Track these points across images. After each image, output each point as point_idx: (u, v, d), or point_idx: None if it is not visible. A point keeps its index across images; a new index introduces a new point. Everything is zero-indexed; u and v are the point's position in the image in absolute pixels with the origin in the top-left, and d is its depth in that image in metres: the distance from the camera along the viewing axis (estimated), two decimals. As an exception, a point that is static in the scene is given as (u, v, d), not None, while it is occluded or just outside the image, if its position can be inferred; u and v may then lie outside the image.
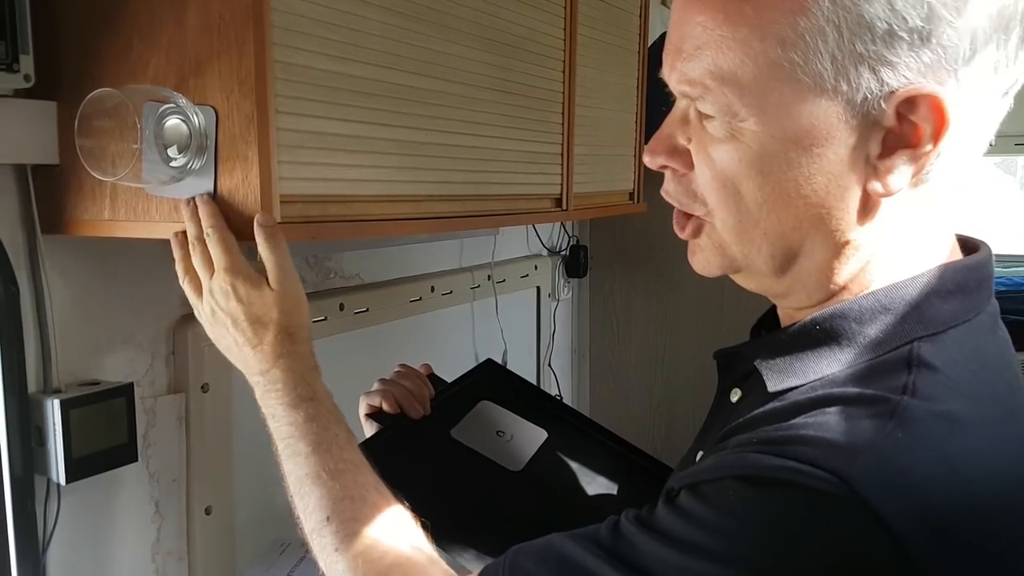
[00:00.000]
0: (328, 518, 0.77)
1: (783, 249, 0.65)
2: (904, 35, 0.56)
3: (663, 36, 0.70)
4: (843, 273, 0.65)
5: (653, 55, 1.68)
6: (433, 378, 1.11)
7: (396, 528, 0.78)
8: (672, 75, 0.65)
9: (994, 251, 0.69)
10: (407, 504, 0.79)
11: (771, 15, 0.58)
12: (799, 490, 0.54)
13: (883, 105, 0.58)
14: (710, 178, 0.64)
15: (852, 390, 0.59)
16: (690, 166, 0.66)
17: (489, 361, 0.98)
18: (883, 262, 0.64)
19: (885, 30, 0.56)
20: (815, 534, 0.53)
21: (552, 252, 2.18)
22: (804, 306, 0.68)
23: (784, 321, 0.73)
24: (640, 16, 1.61)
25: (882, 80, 0.57)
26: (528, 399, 0.99)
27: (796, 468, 0.54)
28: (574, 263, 2.23)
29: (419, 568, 0.75)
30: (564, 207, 1.39)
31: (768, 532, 0.55)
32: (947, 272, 0.64)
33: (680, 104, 0.67)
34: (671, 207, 0.71)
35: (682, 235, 0.70)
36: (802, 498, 0.54)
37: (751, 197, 0.63)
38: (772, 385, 0.65)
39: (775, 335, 0.69)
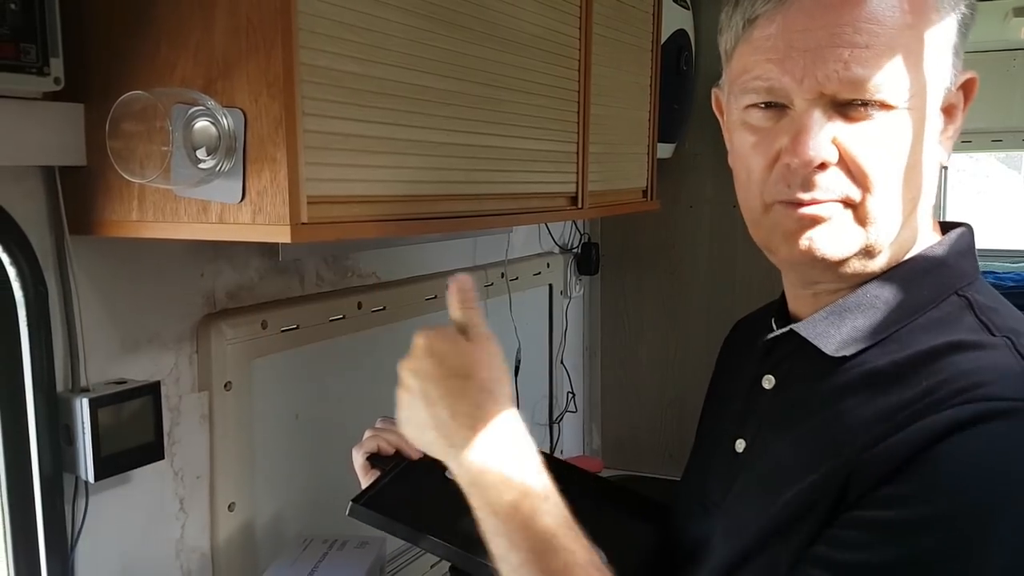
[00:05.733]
0: None
1: (910, 221, 0.71)
2: (965, 29, 0.70)
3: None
4: (909, 241, 0.73)
5: (666, 53, 1.69)
6: None
7: None
8: (842, 70, 0.65)
9: (1000, 246, 0.76)
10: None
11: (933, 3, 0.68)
12: (1011, 420, 0.58)
13: (956, 87, 0.71)
14: (876, 160, 0.68)
15: (952, 338, 0.65)
16: (837, 156, 0.69)
17: None
18: (923, 231, 0.74)
19: (962, 23, 0.70)
20: None
21: (564, 250, 2.19)
22: (860, 272, 0.72)
23: (809, 302, 0.75)
24: (653, 14, 1.62)
25: (960, 65, 0.70)
26: None
27: (991, 407, 0.58)
28: (586, 261, 2.24)
29: None
30: (580, 205, 1.40)
31: (1006, 468, 0.58)
32: (950, 238, 0.74)
33: (819, 101, 0.68)
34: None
35: (822, 221, 0.70)
36: (1017, 425, 0.58)
37: (910, 172, 0.69)
38: (836, 350, 0.70)
39: (825, 312, 0.73)
